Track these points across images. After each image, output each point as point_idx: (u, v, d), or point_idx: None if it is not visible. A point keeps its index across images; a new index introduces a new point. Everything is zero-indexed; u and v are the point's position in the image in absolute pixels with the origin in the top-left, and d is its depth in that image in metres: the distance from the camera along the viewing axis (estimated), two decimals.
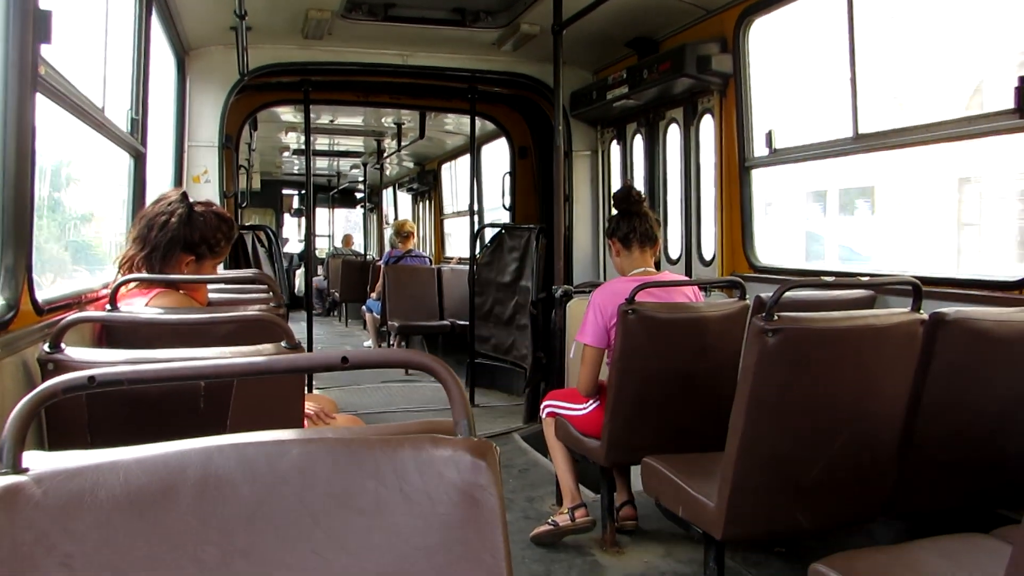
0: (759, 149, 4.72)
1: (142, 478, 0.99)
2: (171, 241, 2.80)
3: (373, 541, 1.00)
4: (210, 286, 3.30)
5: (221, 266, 5.06)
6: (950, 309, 2.64)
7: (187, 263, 2.86)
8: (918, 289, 2.72)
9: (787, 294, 3.38)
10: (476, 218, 8.37)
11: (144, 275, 2.78)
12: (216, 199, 5.61)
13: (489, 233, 7.68)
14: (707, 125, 5.20)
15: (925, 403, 2.64)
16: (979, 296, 3.22)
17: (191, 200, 2.91)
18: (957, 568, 2.08)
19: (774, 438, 2.61)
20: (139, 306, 2.67)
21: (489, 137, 9.05)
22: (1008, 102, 3.09)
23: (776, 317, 2.48)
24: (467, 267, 7.96)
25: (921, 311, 2.69)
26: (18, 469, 0.97)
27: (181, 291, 2.82)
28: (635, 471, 3.73)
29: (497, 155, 9.56)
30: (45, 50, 2.33)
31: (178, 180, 5.49)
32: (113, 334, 2.64)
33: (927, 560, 2.13)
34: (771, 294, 2.51)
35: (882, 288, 3.55)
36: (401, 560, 1.00)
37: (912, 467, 2.73)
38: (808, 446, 2.64)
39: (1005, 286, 3.16)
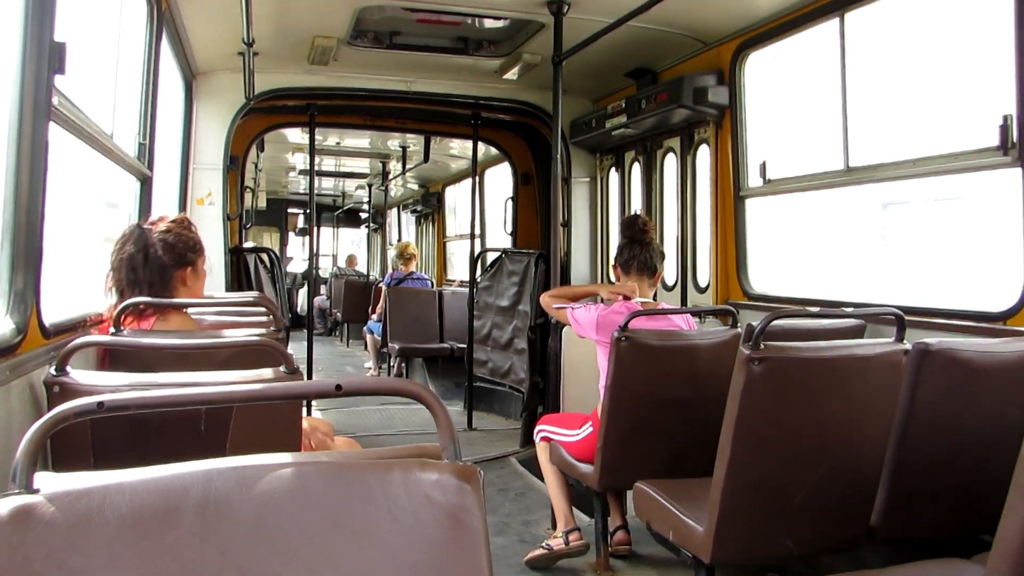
0: (753, 179, 4.81)
1: (146, 499, 1.05)
2: (141, 270, 2.90)
3: (363, 559, 1.06)
4: (212, 308, 3.38)
5: (223, 287, 5.14)
6: (934, 340, 2.70)
7: (187, 273, 2.97)
8: (901, 320, 2.79)
9: (780, 322, 3.46)
10: (477, 242, 8.45)
11: (147, 299, 2.86)
12: (219, 221, 5.70)
13: (490, 257, 7.76)
14: (703, 155, 5.29)
15: (908, 431, 2.70)
16: (964, 327, 3.29)
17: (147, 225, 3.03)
18: None
19: (761, 464, 2.67)
20: (143, 329, 2.74)
21: (493, 162, 9.15)
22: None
23: (763, 346, 2.55)
24: (468, 290, 8.03)
25: (905, 341, 2.75)
26: (30, 489, 1.04)
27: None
28: (630, 495, 3.79)
29: (501, 179, 9.66)
30: (59, 80, 2.42)
31: (183, 202, 5.58)
32: (116, 357, 2.71)
33: None
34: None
35: (867, 317, 3.62)
36: None
37: (896, 494, 2.78)
38: (794, 472, 2.70)
39: (989, 317, 3.23)
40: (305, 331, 7.60)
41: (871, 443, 2.75)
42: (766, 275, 4.92)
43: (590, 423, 3.87)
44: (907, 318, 2.87)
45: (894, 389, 2.71)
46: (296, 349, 6.53)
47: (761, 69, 4.83)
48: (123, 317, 2.71)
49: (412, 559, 1.06)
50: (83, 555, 1.00)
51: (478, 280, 7.63)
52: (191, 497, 1.06)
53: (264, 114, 6.88)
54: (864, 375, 2.70)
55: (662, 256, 4.10)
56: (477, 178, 8.28)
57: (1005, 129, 3.10)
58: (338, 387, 1.16)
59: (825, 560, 3.54)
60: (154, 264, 2.91)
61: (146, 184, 4.25)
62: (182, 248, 2.97)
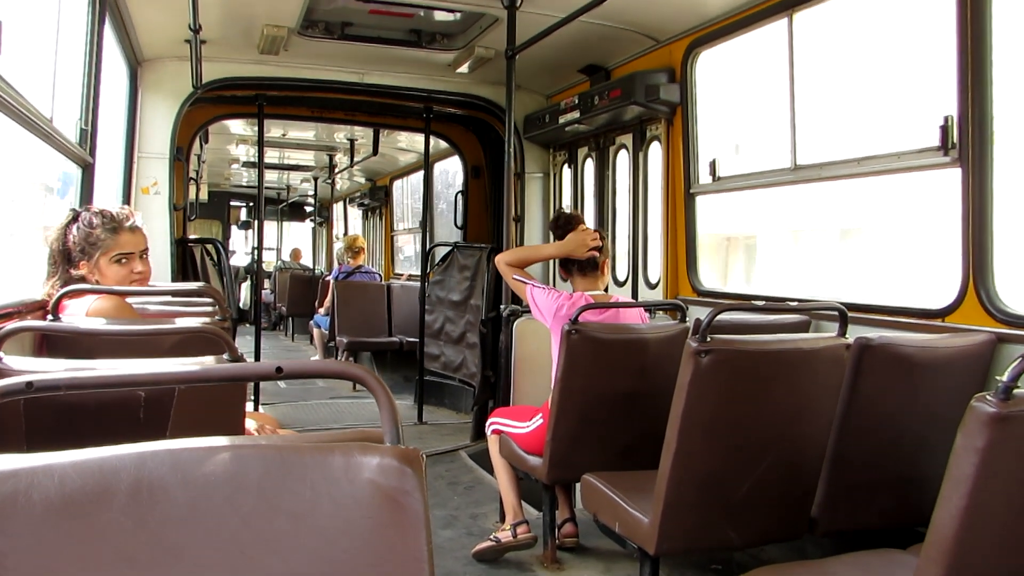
0: (704, 177, 4.86)
1: (76, 481, 1.02)
2: (61, 257, 2.90)
3: (301, 543, 1.04)
4: (155, 298, 3.30)
5: (168, 278, 5.04)
6: (875, 334, 2.76)
7: (86, 267, 2.94)
8: (844, 315, 2.85)
9: (728, 318, 3.50)
10: (428, 236, 8.42)
11: (87, 285, 2.78)
12: (165, 211, 5.58)
13: (441, 252, 7.73)
14: (655, 152, 5.34)
15: (849, 424, 2.76)
16: (905, 323, 3.37)
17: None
18: None
19: (706, 456, 2.70)
20: (79, 313, 2.67)
21: (442, 155, 9.11)
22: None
23: (709, 339, 2.58)
24: (418, 284, 7.99)
25: (847, 336, 2.81)
26: None
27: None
28: (578, 489, 3.81)
29: (446, 173, 9.63)
30: None
31: (127, 191, 5.45)
32: (54, 344, 2.63)
33: (845, 574, 2.22)
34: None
35: (811, 313, 3.69)
36: (328, 561, 1.04)
37: (836, 486, 2.84)
38: (738, 464, 2.74)
39: (929, 314, 3.31)
40: (248, 326, 7.49)
41: (813, 436, 2.80)
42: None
43: (540, 416, 3.88)
44: (850, 314, 2.93)
45: (836, 383, 2.77)
46: (243, 344, 6.43)
47: (712, 68, 4.88)
48: (60, 303, 2.63)
49: (351, 542, 1.05)
50: (7, 537, 0.96)
51: (429, 274, 7.59)
52: (123, 480, 1.03)
53: (211, 104, 6.76)
54: (807, 368, 2.75)
55: (603, 240, 4.04)
56: (427, 172, 8.23)
57: (945, 130, 3.17)
58: (278, 369, 1.14)
59: (767, 551, 3.61)
60: (64, 250, 2.89)
61: (88, 171, 4.15)
62: (80, 237, 2.93)
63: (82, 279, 2.91)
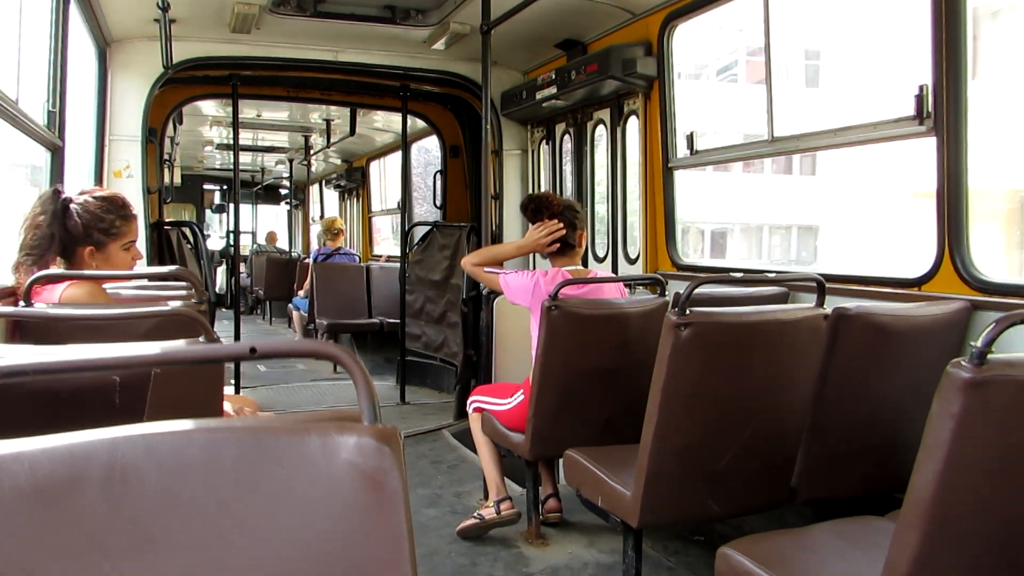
0: (682, 150, 4.86)
1: (47, 467, 1.00)
2: (49, 240, 2.79)
3: (278, 525, 1.03)
4: (130, 283, 3.26)
5: (144, 262, 4.98)
6: (852, 304, 2.78)
7: (88, 253, 2.84)
8: (822, 285, 2.87)
9: (707, 291, 3.51)
10: (407, 216, 8.38)
11: (61, 271, 2.74)
12: (139, 195, 5.50)
13: (420, 231, 7.69)
14: (633, 126, 5.32)
15: (828, 394, 2.78)
16: (882, 293, 3.40)
17: (77, 193, 2.90)
18: (851, 547, 2.21)
19: (686, 428, 2.71)
20: (52, 300, 2.63)
21: (420, 135, 9.05)
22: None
23: (688, 312, 2.58)
24: (397, 265, 7.96)
25: (825, 306, 2.82)
26: None
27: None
28: (561, 465, 3.83)
29: (422, 152, 9.56)
30: None
31: (98, 175, 5.37)
32: (27, 331, 2.59)
33: (824, 541, 2.25)
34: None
35: (790, 284, 3.71)
36: (306, 542, 1.04)
37: (815, 455, 2.87)
38: (718, 435, 2.76)
39: (905, 283, 3.33)
40: (226, 310, 7.44)
41: (793, 406, 2.82)
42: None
43: (521, 391, 3.88)
44: (828, 285, 2.95)
45: (815, 353, 2.79)
46: (221, 328, 6.37)
47: (689, 40, 4.86)
48: (33, 289, 2.59)
49: (329, 523, 1.04)
50: None
51: (409, 254, 7.56)
52: (96, 465, 1.01)
53: (183, 85, 6.66)
54: (786, 339, 2.77)
55: (576, 214, 4.00)
56: (406, 151, 8.18)
57: (920, 99, 3.18)
58: (252, 350, 1.13)
59: (749, 521, 3.65)
60: (41, 234, 2.81)
61: (57, 154, 4.08)
62: (89, 221, 2.85)
63: (68, 266, 2.83)
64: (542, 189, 6.62)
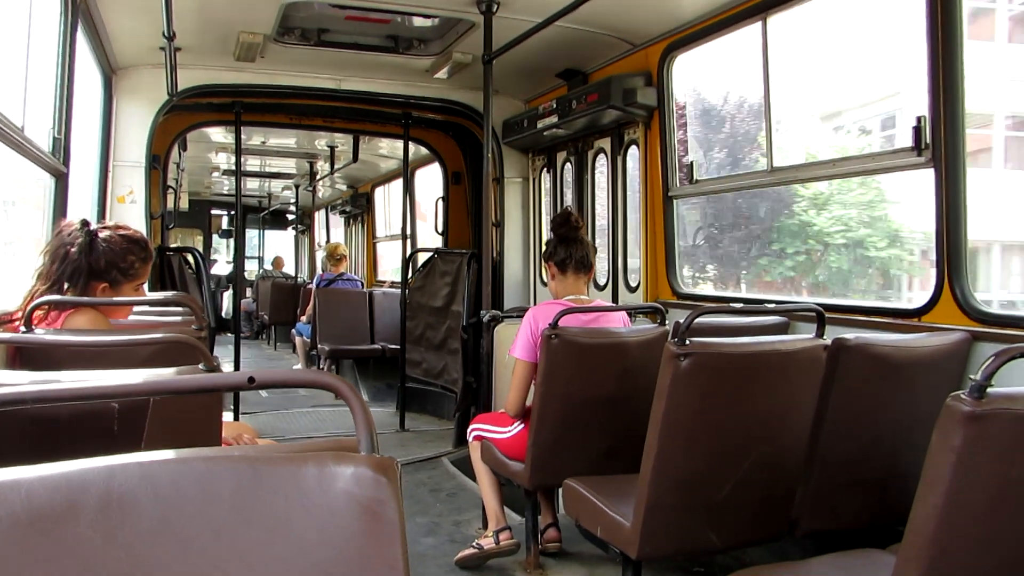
0: (682, 180, 4.88)
1: (43, 496, 1.00)
2: (75, 272, 2.79)
3: (274, 555, 1.03)
4: (133, 308, 3.27)
5: (146, 287, 4.99)
6: (851, 335, 2.78)
7: (101, 290, 2.84)
8: (821, 316, 2.87)
9: (707, 320, 3.51)
10: (409, 242, 8.40)
11: (62, 297, 2.75)
12: (142, 220, 5.53)
13: (422, 258, 7.71)
14: (634, 155, 5.35)
15: (827, 425, 2.77)
16: (881, 324, 3.40)
17: (99, 225, 2.91)
18: None
19: (686, 458, 2.70)
20: (54, 327, 2.64)
21: (423, 162, 9.10)
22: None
23: (688, 342, 2.58)
24: (399, 291, 7.96)
25: (825, 337, 2.82)
26: None
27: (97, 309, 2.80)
28: (561, 494, 3.80)
29: (428, 180, 9.61)
30: None
31: (102, 201, 5.40)
32: (28, 358, 2.59)
33: (825, 574, 2.23)
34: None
35: (790, 314, 3.71)
36: (302, 572, 1.03)
37: (816, 487, 2.85)
38: (718, 466, 2.74)
39: (905, 314, 3.34)
40: (230, 335, 7.44)
41: (793, 437, 2.81)
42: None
43: (521, 420, 3.87)
44: (828, 315, 2.95)
45: (815, 384, 2.78)
46: (223, 353, 6.36)
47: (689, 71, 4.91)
48: (34, 315, 2.60)
49: (325, 553, 1.04)
50: None
51: (410, 280, 7.57)
52: (92, 494, 1.01)
53: (188, 111, 6.72)
54: (786, 370, 2.76)
55: (595, 250, 4.09)
56: (407, 178, 8.22)
57: (919, 130, 3.20)
58: (251, 380, 1.13)
59: (749, 553, 3.62)
60: (68, 263, 2.81)
61: (61, 180, 4.10)
62: (104, 254, 2.85)
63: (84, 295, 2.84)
64: (543, 217, 6.65)
